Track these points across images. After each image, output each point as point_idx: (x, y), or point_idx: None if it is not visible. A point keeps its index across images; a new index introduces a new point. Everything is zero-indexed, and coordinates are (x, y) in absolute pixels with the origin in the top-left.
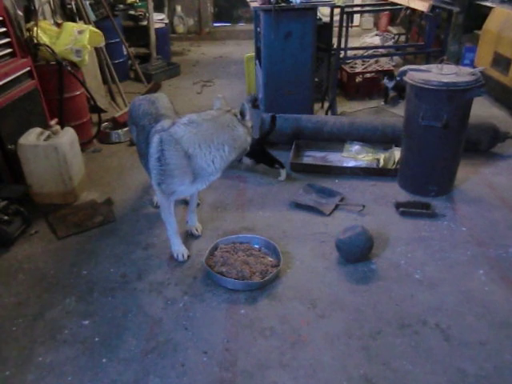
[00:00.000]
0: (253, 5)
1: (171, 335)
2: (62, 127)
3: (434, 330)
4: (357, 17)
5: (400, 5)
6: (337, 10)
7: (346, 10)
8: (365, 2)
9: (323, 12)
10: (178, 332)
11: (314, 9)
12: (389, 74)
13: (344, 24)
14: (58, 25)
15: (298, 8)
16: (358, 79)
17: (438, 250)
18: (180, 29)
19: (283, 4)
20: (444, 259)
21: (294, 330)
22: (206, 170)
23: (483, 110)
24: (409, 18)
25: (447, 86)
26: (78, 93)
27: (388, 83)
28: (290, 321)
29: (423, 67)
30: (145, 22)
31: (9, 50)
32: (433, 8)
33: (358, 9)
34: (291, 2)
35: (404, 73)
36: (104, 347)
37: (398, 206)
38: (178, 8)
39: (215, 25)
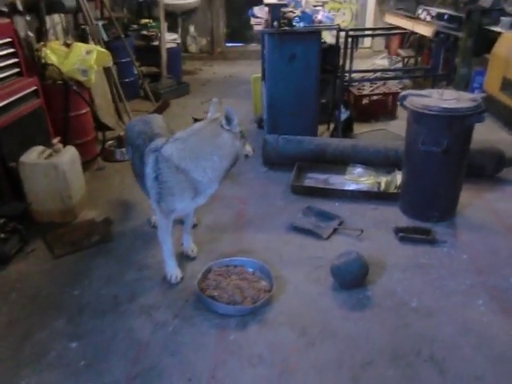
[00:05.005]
0: (256, 28)
1: (157, 360)
2: (66, 145)
3: (428, 363)
4: (368, 39)
5: (406, 29)
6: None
7: (351, 33)
8: (376, 25)
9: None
10: (165, 357)
11: (317, 32)
12: (344, 102)
13: (349, 47)
14: (68, 45)
15: (301, 32)
16: (365, 101)
17: (436, 277)
18: (193, 48)
19: (286, 28)
20: (442, 287)
21: (283, 358)
22: (201, 182)
23: (491, 134)
24: (418, 42)
25: (447, 112)
26: (83, 111)
27: (341, 113)
28: (279, 348)
29: (424, 92)
30: (156, 42)
31: (16, 70)
32: (437, 33)
33: (362, 33)
34: (294, 26)
35: (404, 97)
36: (89, 371)
37: (397, 231)
38: (191, 28)
39: (227, 45)
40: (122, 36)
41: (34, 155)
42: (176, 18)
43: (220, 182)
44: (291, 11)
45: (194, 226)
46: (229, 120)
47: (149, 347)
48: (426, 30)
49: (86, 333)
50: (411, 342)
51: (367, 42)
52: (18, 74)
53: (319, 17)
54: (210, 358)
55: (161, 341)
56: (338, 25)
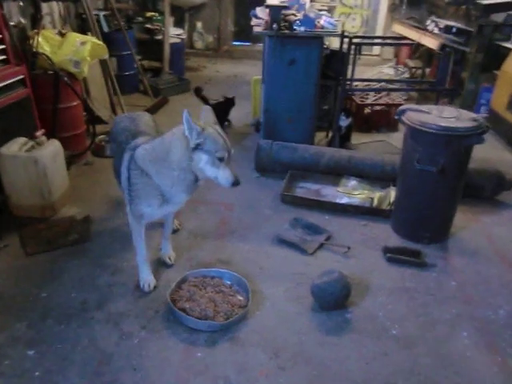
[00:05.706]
0: (256, 29)
1: (118, 375)
2: (53, 137)
3: None
4: (378, 46)
5: (413, 40)
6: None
7: (355, 40)
8: (386, 33)
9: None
10: (126, 372)
11: (319, 38)
12: (346, 110)
13: (353, 54)
14: (62, 34)
15: (301, 36)
16: (367, 111)
17: (421, 304)
18: (199, 45)
19: (286, 31)
20: (426, 315)
21: (250, 382)
22: (161, 189)
23: (494, 153)
24: (428, 53)
25: (445, 131)
26: (74, 103)
27: (342, 121)
28: (247, 370)
29: (424, 108)
30: (160, 36)
31: (2, 57)
32: (443, 47)
33: (366, 41)
34: (295, 30)
35: (403, 112)
36: (43, 383)
37: (385, 250)
38: (199, 24)
39: (234, 43)
40: (124, 28)
41: (14, 147)
42: (183, 12)
43: (189, 193)
44: (293, 14)
45: (176, 230)
46: (189, 129)
47: (111, 360)
48: (432, 43)
49: (47, 339)
50: (387, 373)
51: (376, 49)
52: (5, 62)
53: (322, 22)
54: (173, 377)
55: (124, 353)
56: (343, 31)
